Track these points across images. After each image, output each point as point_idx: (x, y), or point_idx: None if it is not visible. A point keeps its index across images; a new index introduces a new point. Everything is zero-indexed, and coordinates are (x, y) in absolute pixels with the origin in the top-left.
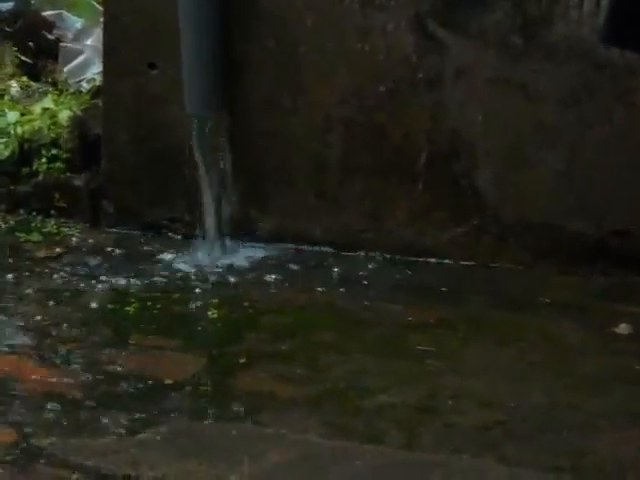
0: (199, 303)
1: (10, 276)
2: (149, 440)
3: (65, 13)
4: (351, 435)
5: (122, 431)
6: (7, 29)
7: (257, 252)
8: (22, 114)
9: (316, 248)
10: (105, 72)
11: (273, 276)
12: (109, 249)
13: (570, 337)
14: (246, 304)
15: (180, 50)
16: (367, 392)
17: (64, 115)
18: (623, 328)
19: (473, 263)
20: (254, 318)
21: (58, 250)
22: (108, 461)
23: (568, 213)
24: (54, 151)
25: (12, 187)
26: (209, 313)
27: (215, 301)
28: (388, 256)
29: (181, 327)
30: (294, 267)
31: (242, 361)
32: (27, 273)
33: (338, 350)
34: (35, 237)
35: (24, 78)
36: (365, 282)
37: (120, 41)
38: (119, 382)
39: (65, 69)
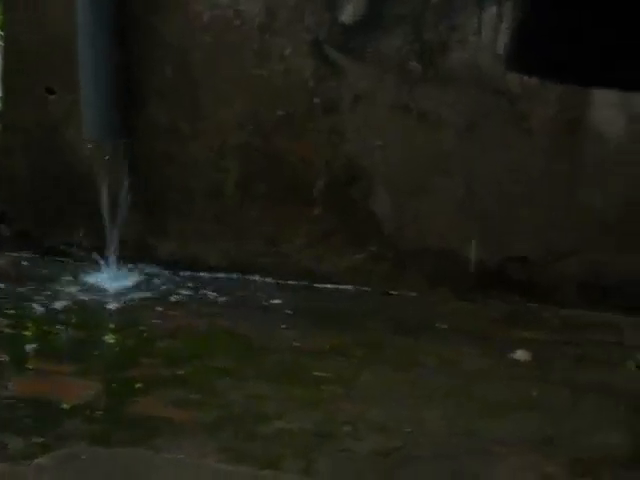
0: (96, 328)
1: None
2: (46, 464)
3: None
4: (249, 460)
5: (19, 456)
6: None
7: (155, 277)
8: None
9: (214, 273)
10: (4, 96)
11: (171, 301)
12: (6, 274)
13: (468, 363)
14: (142, 329)
15: (79, 75)
16: (264, 417)
17: None
18: (521, 354)
19: (371, 289)
20: (150, 343)
21: None
22: None
23: (466, 240)
24: None
25: None
26: (106, 338)
27: (112, 326)
28: (286, 282)
29: (78, 352)
30: (192, 292)
31: (138, 386)
32: None
33: (235, 376)
34: None
35: None
36: (263, 308)
37: (19, 65)
38: (16, 407)
39: None
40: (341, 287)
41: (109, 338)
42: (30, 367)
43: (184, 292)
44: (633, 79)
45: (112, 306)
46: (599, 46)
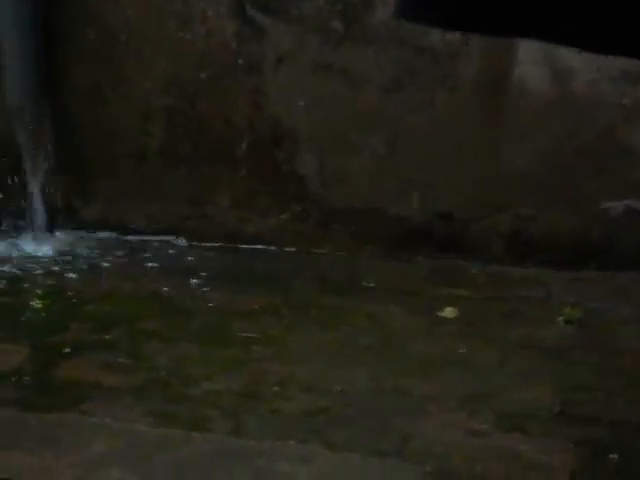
0: (23, 293)
1: None
2: None
3: None
4: (177, 423)
5: None
6: None
7: (81, 241)
8: None
9: (140, 236)
10: None
11: (97, 265)
12: None
13: (396, 321)
14: (70, 294)
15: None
16: (191, 380)
17: None
18: (449, 312)
19: (297, 249)
20: (78, 308)
21: None
22: None
23: (391, 198)
24: None
25: None
26: (33, 303)
27: (39, 291)
28: (212, 244)
29: (4, 318)
30: (118, 255)
31: (66, 351)
32: None
33: (162, 338)
34: None
35: None
36: (189, 270)
37: None
38: None
39: None
40: (267, 248)
41: (36, 303)
42: None
43: (110, 256)
44: (512, 23)
45: (38, 272)
46: None
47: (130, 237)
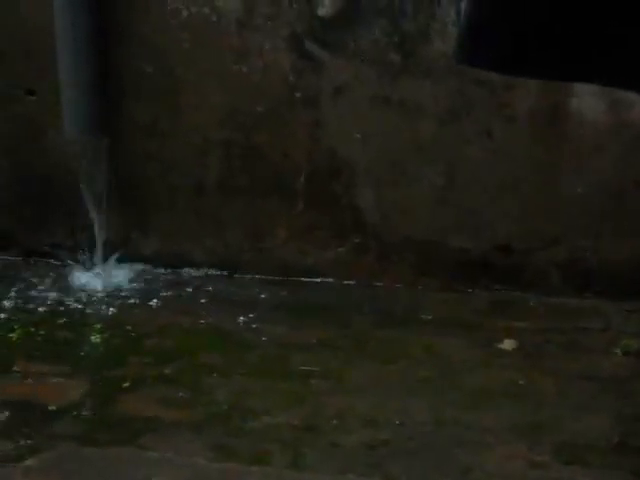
0: (82, 328)
1: None
2: (35, 466)
3: None
4: (237, 457)
5: (7, 458)
6: None
7: (139, 275)
8: None
9: (198, 270)
10: None
11: (155, 299)
12: None
13: (454, 353)
14: (129, 328)
15: (59, 76)
16: (251, 413)
17: None
18: (507, 343)
19: (356, 282)
20: (137, 342)
21: None
22: None
23: (449, 229)
24: None
25: None
26: (92, 338)
27: (98, 326)
28: (270, 277)
29: (64, 353)
30: (177, 289)
31: (125, 385)
32: None
33: (221, 372)
34: None
35: None
36: (248, 303)
37: None
38: (3, 409)
39: None
40: (325, 280)
41: (95, 338)
42: (17, 369)
43: (168, 289)
44: (575, 70)
45: (97, 306)
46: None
47: (188, 270)
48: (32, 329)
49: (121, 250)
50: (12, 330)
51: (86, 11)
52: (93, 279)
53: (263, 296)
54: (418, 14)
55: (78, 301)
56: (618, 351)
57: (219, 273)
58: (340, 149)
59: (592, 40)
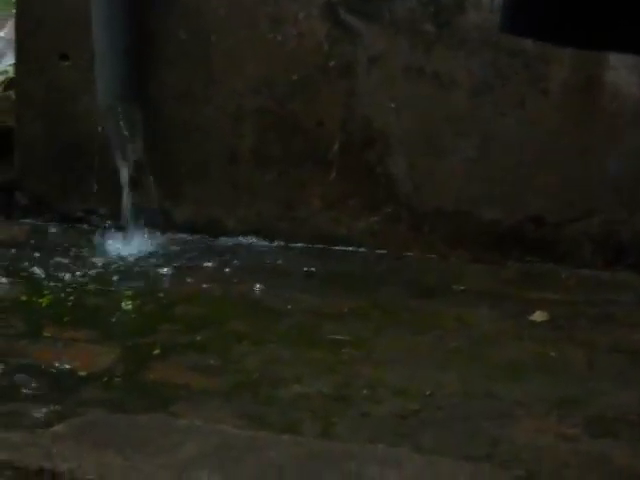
0: (113, 295)
1: None
2: (63, 432)
3: None
4: (266, 425)
5: (36, 423)
6: None
7: (172, 243)
8: None
9: (230, 238)
10: (17, 64)
11: (188, 266)
12: (23, 241)
13: (486, 325)
14: (160, 295)
15: (92, 41)
16: (281, 382)
17: None
18: (538, 315)
19: (388, 251)
20: (168, 309)
21: None
22: (23, 454)
23: (482, 201)
24: None
25: None
26: (123, 304)
27: (129, 292)
28: (303, 245)
29: (95, 319)
30: (209, 257)
31: (156, 352)
32: None
33: (252, 340)
34: None
35: None
36: (280, 271)
37: (32, 32)
38: (33, 374)
39: None
40: (357, 250)
41: (126, 304)
42: (47, 335)
43: (200, 257)
44: (624, 40)
45: (129, 273)
46: (591, 7)
47: (220, 239)
48: (62, 295)
49: (153, 217)
50: (42, 296)
51: None
52: (125, 246)
53: (295, 264)
54: None
55: (109, 267)
56: None
57: (252, 241)
58: (374, 119)
59: (634, 5)
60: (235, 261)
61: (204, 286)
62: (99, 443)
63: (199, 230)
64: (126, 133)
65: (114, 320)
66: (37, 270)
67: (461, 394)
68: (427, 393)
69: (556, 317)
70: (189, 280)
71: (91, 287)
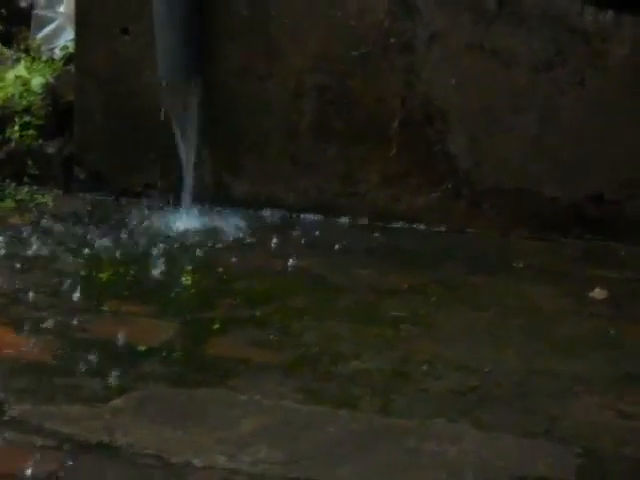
0: (173, 269)
1: None
2: (123, 406)
3: None
4: (325, 401)
5: (96, 397)
6: None
7: (231, 218)
8: None
9: (290, 213)
10: (77, 38)
11: (247, 241)
12: (82, 215)
13: (546, 302)
14: (220, 270)
15: (153, 15)
16: (341, 358)
17: (37, 82)
18: (598, 292)
19: (447, 228)
20: (227, 284)
21: (31, 217)
22: (82, 427)
23: (542, 178)
24: (27, 118)
25: None
26: (183, 279)
27: (189, 267)
28: (362, 221)
29: (155, 293)
30: (267, 232)
31: (216, 327)
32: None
33: (312, 316)
34: (8, 204)
35: None
36: (339, 247)
37: (92, 7)
38: (92, 349)
39: (37, 36)
40: (417, 226)
41: (186, 279)
42: (106, 309)
43: (259, 232)
44: None
45: (188, 247)
46: None
47: (280, 214)
48: (122, 270)
49: (213, 192)
50: (102, 269)
51: None
52: (184, 220)
53: (355, 240)
54: None
55: (169, 242)
56: None
57: (311, 217)
58: (434, 95)
59: None
60: (295, 236)
61: (264, 261)
62: (158, 417)
63: (259, 205)
64: (186, 109)
65: (173, 295)
66: (97, 244)
67: (520, 371)
68: (486, 370)
69: (616, 295)
70: (249, 255)
71: (150, 262)
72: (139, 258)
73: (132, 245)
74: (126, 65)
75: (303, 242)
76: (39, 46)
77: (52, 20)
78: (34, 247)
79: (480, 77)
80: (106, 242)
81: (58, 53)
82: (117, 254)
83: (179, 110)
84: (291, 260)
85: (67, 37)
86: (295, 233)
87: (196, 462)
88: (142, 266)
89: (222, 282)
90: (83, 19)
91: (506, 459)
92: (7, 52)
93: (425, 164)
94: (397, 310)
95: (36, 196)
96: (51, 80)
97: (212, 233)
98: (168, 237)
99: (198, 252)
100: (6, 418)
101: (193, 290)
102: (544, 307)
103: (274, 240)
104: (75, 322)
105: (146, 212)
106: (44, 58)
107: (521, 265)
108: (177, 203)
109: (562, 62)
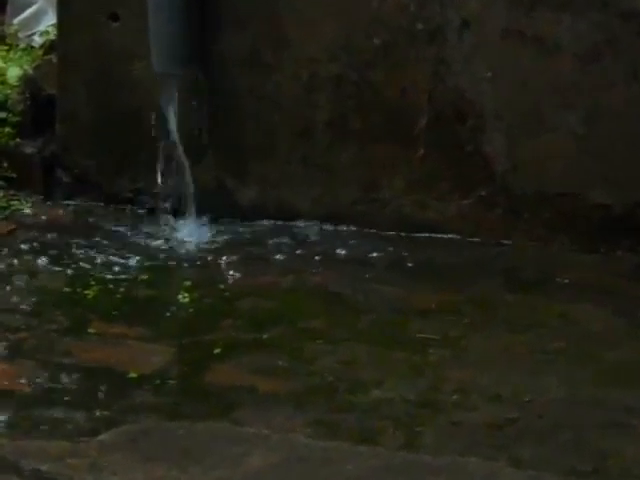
0: (168, 286)
1: None
2: (111, 442)
3: None
4: (342, 435)
5: (80, 432)
6: None
7: (235, 227)
8: None
9: (303, 222)
10: (60, 24)
11: (254, 255)
12: (65, 224)
13: (593, 323)
14: (222, 287)
15: None
16: (360, 386)
17: (13, 73)
18: None
19: (481, 239)
20: (231, 302)
21: (7, 226)
22: (65, 466)
23: (589, 182)
24: (2, 114)
25: None
26: (180, 297)
27: (187, 284)
28: (385, 231)
29: (148, 313)
30: (277, 245)
31: (217, 351)
32: None
33: (327, 339)
34: None
35: None
36: (358, 261)
37: None
38: (77, 376)
39: (15, 21)
40: (447, 237)
41: (183, 297)
42: (93, 331)
43: (267, 244)
44: None
45: (186, 261)
46: None
47: (291, 223)
48: (111, 286)
49: (215, 199)
50: (88, 286)
51: None
52: (182, 230)
53: (376, 254)
54: None
55: (164, 255)
56: None
57: (327, 227)
58: (467, 89)
59: None
60: (308, 249)
61: (272, 277)
62: (151, 454)
63: (267, 214)
64: (184, 103)
65: (169, 315)
66: (82, 258)
67: (565, 400)
68: (526, 399)
69: None
70: (255, 270)
71: (143, 277)
72: (130, 273)
73: (122, 258)
74: (115, 55)
75: (317, 256)
76: (16, 32)
77: (31, 3)
78: (9, 261)
79: (519, 68)
80: (93, 255)
81: (38, 40)
82: (105, 268)
83: (176, 106)
84: (303, 276)
85: (48, 22)
86: (307, 245)
87: None
88: (133, 282)
89: (224, 300)
90: (66, 2)
91: None
92: None
93: (456, 167)
94: (424, 332)
95: (13, 202)
96: (30, 71)
97: (213, 245)
98: (163, 249)
99: (197, 267)
100: None
101: (191, 309)
102: (591, 329)
103: (284, 253)
104: (57, 346)
105: (137, 220)
106: (22, 46)
107: (565, 281)
108: (174, 210)
109: (613, 52)
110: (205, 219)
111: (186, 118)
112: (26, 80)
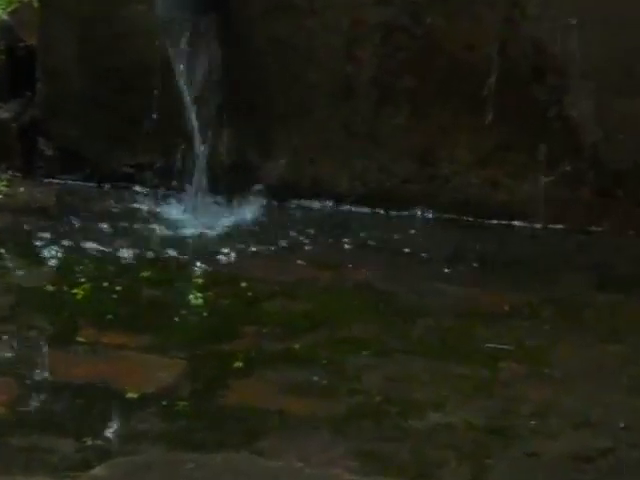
0: (177, 283)
1: None
2: (106, 477)
3: None
4: (393, 469)
5: (68, 465)
6: None
7: (259, 210)
8: None
9: (342, 204)
10: None
11: (282, 245)
12: (48, 208)
13: None
14: (243, 285)
15: None
16: (414, 408)
17: None
18: None
19: (565, 226)
20: (254, 304)
21: None
22: None
23: None
24: None
25: None
26: (191, 297)
27: (200, 281)
28: (445, 215)
29: (154, 318)
30: (312, 232)
31: (237, 365)
32: None
33: (374, 349)
34: None
35: None
36: (412, 253)
37: None
38: (63, 396)
39: None
40: (522, 224)
41: (195, 298)
42: (82, 340)
43: (299, 231)
44: None
45: (199, 252)
46: None
47: (328, 205)
48: (105, 284)
49: (233, 176)
50: (76, 284)
51: None
52: (193, 214)
53: (434, 243)
54: None
55: (171, 245)
56: None
57: (372, 210)
58: (546, 41)
59: None
60: (349, 237)
61: (306, 272)
62: None
63: (297, 193)
64: (195, 58)
65: (178, 320)
66: (69, 249)
67: None
68: (621, 425)
69: None
70: (284, 264)
71: (145, 273)
72: (129, 268)
73: (117, 248)
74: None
75: (361, 246)
76: None
77: None
78: None
79: (611, 14)
80: (82, 245)
81: None
82: (98, 262)
83: (186, 61)
84: (343, 271)
85: None
86: (349, 232)
87: None
88: (133, 279)
89: (246, 302)
90: None
91: None
92: None
93: (534, 136)
94: (494, 341)
95: None
96: (5, 17)
97: (232, 233)
98: (169, 238)
99: (212, 260)
100: None
101: (205, 313)
102: None
103: (319, 242)
104: (39, 358)
105: (137, 203)
106: None
107: None
108: (182, 190)
109: None
110: (222, 200)
111: (198, 77)
112: (1, 29)
